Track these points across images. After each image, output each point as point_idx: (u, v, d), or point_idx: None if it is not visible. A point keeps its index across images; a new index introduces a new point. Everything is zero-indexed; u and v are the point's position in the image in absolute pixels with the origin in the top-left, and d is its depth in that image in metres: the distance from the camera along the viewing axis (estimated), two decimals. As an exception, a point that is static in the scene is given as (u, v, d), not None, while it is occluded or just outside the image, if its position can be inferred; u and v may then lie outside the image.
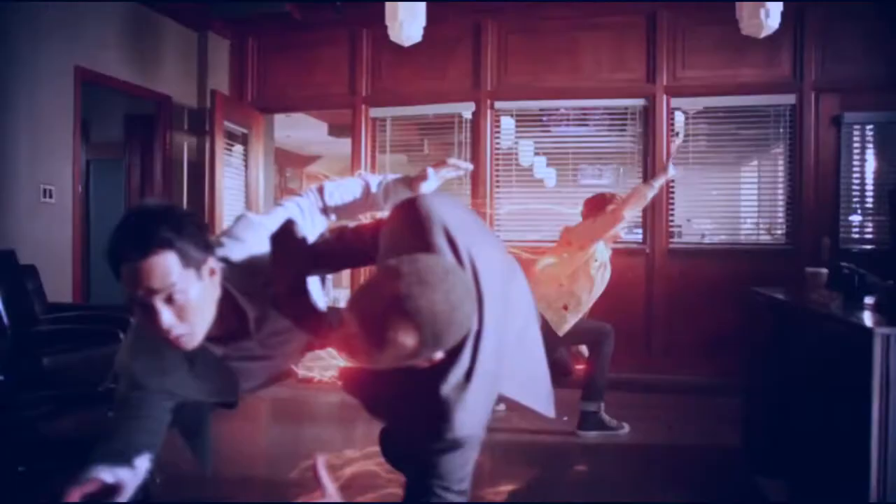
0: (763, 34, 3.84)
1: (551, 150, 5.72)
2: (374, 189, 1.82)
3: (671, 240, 5.35)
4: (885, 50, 4.95)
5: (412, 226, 1.40)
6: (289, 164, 11.88)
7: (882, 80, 4.95)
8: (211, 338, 1.54)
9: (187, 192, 5.87)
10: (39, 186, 4.52)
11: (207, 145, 5.65)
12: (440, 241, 1.36)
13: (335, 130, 9.38)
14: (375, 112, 5.92)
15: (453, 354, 1.31)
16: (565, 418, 3.80)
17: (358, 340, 1.19)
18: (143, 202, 1.49)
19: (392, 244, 1.43)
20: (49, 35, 4.54)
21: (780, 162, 5.29)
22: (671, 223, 5.36)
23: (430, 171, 1.82)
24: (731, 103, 5.24)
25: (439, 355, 1.24)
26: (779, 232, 5.27)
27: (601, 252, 3.74)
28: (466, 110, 5.68)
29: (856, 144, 5.18)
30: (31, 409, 3.41)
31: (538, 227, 5.56)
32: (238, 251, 1.59)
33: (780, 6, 3.78)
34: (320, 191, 1.82)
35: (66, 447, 2.96)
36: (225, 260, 1.56)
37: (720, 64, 5.22)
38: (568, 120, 5.64)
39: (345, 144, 7.22)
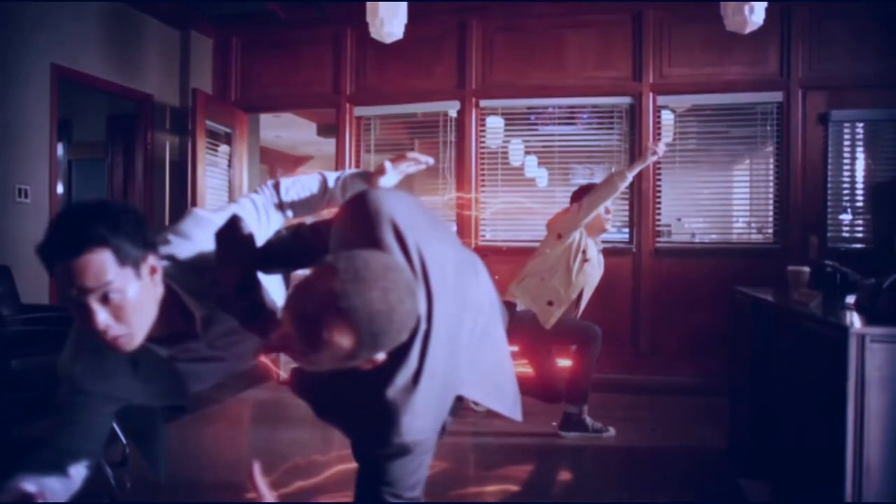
0: (748, 30, 3.78)
1: (538, 149, 5.66)
2: (331, 184, 1.76)
3: (658, 239, 5.30)
4: (872, 47, 4.92)
5: (360, 221, 1.34)
6: (280, 165, 11.81)
7: (869, 78, 4.91)
8: (155, 339, 1.48)
9: (170, 192, 5.80)
10: (14, 186, 4.44)
11: (189, 145, 5.58)
12: (388, 238, 1.30)
13: (323, 131, 9.31)
14: (360, 111, 5.86)
15: (400, 355, 1.25)
16: (554, 423, 3.75)
17: (295, 341, 1.13)
18: (81, 201, 1.44)
19: (341, 240, 1.37)
20: (25, 32, 4.47)
21: (769, 160, 5.23)
22: (658, 222, 5.30)
23: (388, 165, 1.76)
24: (718, 101, 5.20)
25: (381, 356, 1.18)
26: (769, 231, 5.22)
27: (589, 248, 3.69)
28: (452, 109, 5.62)
29: (846, 142, 5.14)
30: (2, 413, 3.34)
31: (525, 227, 5.50)
32: (185, 249, 1.53)
33: (764, 4, 3.73)
34: (276, 187, 1.76)
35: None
36: (170, 258, 1.50)
37: (707, 62, 5.18)
38: (556, 119, 5.58)
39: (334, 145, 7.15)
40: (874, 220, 2.24)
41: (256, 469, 1.16)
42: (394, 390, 1.24)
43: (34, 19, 4.54)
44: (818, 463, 2.04)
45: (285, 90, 6.00)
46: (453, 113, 5.63)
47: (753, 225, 5.36)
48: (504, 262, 4.80)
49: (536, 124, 5.64)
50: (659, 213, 5.31)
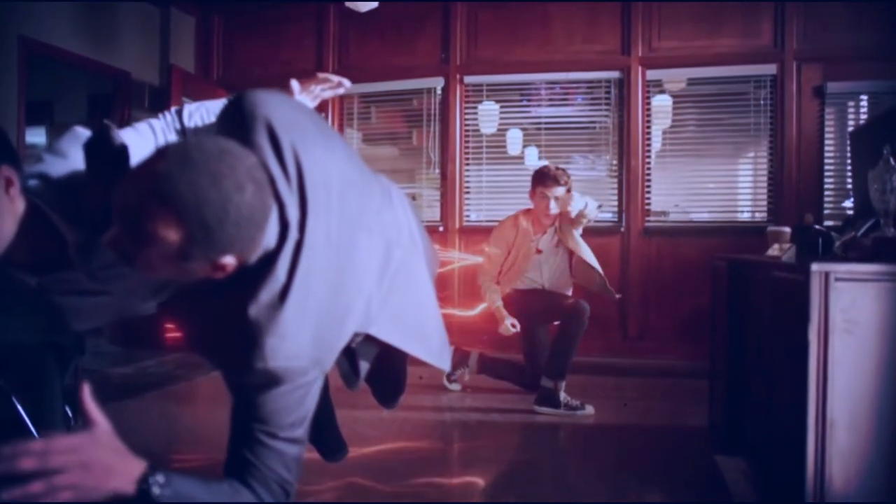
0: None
1: (525, 126, 5.47)
2: None
3: (647, 218, 5.11)
4: (869, 17, 4.70)
5: (235, 124, 1.18)
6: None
7: (867, 49, 4.70)
8: (21, 265, 1.33)
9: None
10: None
11: (167, 123, 5.43)
12: (260, 139, 1.15)
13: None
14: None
15: (264, 267, 1.10)
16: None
17: (122, 239, 0.97)
18: None
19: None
20: (-11, 1, 4.35)
21: (763, 136, 5.02)
22: (648, 202, 5.11)
23: (295, 85, 1.61)
24: (709, 74, 5.00)
25: (228, 261, 1.02)
26: (762, 209, 5.02)
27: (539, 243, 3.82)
28: (436, 85, 5.46)
29: (850, 118, 4.93)
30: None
31: (512, 206, 5.31)
32: (59, 167, 1.37)
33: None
34: (179, 113, 1.60)
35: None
36: (41, 176, 1.35)
37: (697, 34, 4.98)
38: (549, 101, 5.38)
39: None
40: (854, 169, 2.08)
41: (87, 392, 1.00)
42: (257, 307, 1.08)
43: (-1, -14, 4.41)
44: (786, 430, 1.87)
45: (267, 68, 5.85)
46: (440, 89, 5.46)
47: (746, 203, 5.17)
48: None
49: (529, 106, 5.43)
50: (649, 192, 5.12)
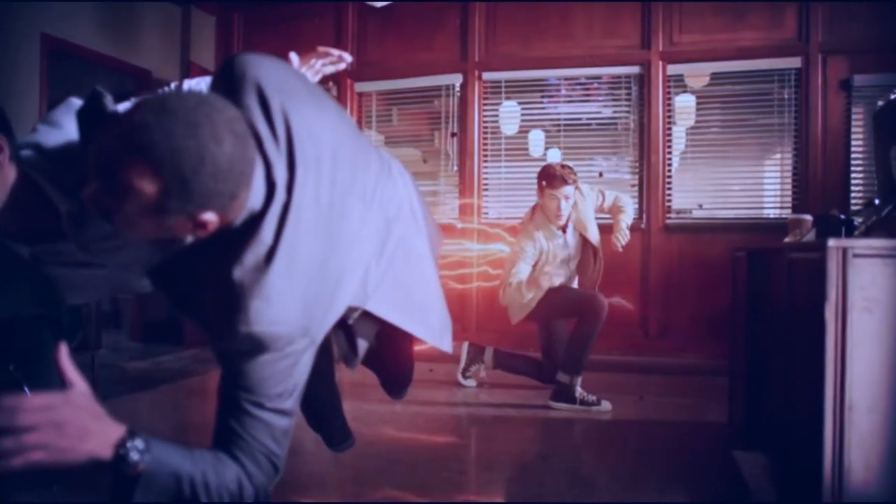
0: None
1: (543, 123, 5.40)
2: None
3: (668, 215, 5.02)
4: (897, 7, 4.59)
5: (226, 85, 1.16)
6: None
7: (894, 40, 4.57)
8: (13, 234, 1.31)
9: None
10: None
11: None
12: (249, 100, 1.12)
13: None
14: (361, 87, 5.70)
15: (249, 228, 1.06)
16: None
17: (100, 193, 0.95)
18: None
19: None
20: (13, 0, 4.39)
21: (787, 131, 4.90)
22: (669, 198, 5.03)
23: (294, 58, 1.58)
24: (731, 68, 4.90)
25: (209, 217, 0.99)
26: (786, 205, 4.91)
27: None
28: (454, 82, 5.42)
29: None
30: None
31: (531, 202, 5.25)
32: (53, 137, 1.36)
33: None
34: (178, 88, 1.59)
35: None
36: (35, 146, 1.33)
37: (719, 27, 4.89)
38: (569, 98, 5.31)
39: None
40: (876, 149, 2.00)
41: (63, 353, 0.98)
42: (242, 269, 1.04)
43: (24, -15, 4.47)
44: (804, 420, 1.79)
45: (286, 66, 5.86)
46: (458, 86, 5.42)
47: (769, 201, 5.05)
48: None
49: (549, 105, 5.36)
50: (670, 188, 5.04)
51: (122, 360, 4.54)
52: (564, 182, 3.55)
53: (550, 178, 3.58)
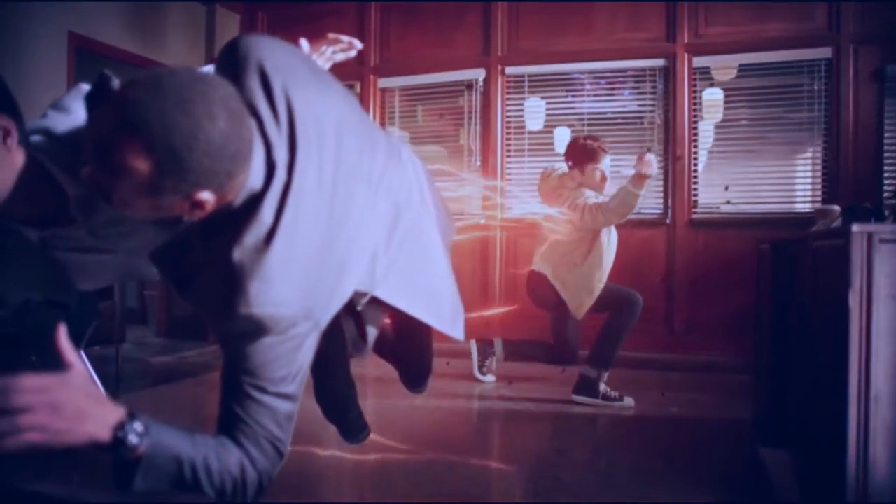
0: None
1: (570, 120, 5.34)
2: None
3: (694, 210, 4.94)
4: (932, -6, 4.45)
5: (229, 67, 1.15)
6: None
7: (929, 29, 4.45)
8: (22, 219, 1.32)
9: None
10: (28, 155, 4.43)
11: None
12: (250, 81, 1.11)
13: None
14: (384, 83, 5.70)
15: (248, 209, 1.05)
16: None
17: (95, 173, 0.94)
18: None
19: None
20: (42, -2, 4.47)
21: (817, 129, 4.78)
22: (695, 192, 4.94)
23: (304, 44, 1.57)
24: (759, 60, 4.80)
25: (205, 196, 0.98)
26: (816, 199, 4.80)
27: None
28: (477, 77, 5.40)
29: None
30: None
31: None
32: (62, 122, 1.37)
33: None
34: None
35: None
36: (44, 131, 1.34)
37: (746, 18, 4.79)
38: (593, 94, 5.25)
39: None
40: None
41: (62, 333, 0.97)
42: (241, 250, 1.03)
43: (51, -16, 4.53)
44: (829, 413, 1.74)
45: (309, 64, 5.88)
46: (482, 80, 5.39)
47: (798, 195, 4.95)
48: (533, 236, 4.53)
49: (573, 102, 5.30)
50: (695, 183, 4.95)
51: (147, 355, 4.59)
52: (605, 151, 3.54)
53: (592, 153, 3.51)
